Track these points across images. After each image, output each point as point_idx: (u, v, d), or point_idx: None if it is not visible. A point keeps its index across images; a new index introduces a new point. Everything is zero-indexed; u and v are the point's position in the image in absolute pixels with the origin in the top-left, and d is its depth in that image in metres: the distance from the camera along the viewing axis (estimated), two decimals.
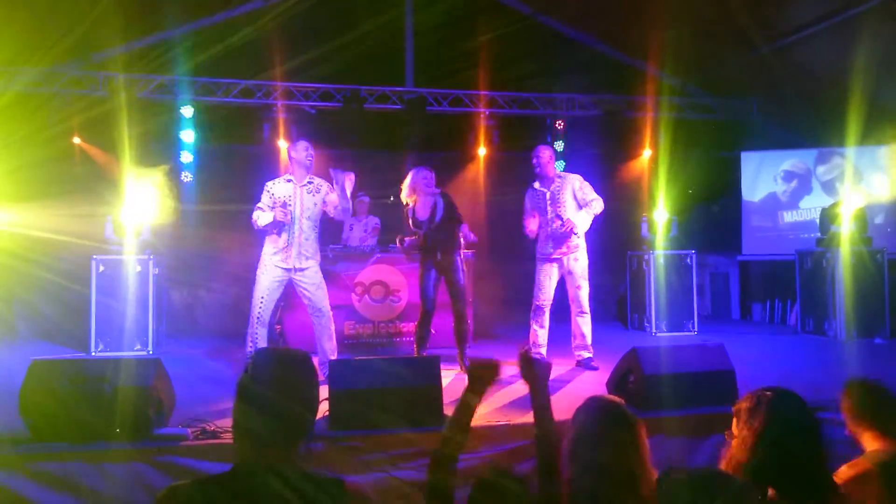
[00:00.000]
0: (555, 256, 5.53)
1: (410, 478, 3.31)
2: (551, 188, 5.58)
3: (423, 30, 8.60)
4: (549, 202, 5.56)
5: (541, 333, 5.61)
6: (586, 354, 5.54)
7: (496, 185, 9.08)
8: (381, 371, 3.85)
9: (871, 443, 2.37)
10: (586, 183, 5.58)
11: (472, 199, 8.87)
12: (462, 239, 5.50)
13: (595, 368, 5.36)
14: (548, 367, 2.25)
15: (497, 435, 3.61)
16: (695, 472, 1.78)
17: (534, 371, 2.19)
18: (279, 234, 4.93)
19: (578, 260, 5.52)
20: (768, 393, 2.04)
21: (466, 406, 2.08)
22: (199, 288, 8.37)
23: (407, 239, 5.66)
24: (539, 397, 2.17)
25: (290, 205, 4.92)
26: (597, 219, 5.59)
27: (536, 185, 5.68)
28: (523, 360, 2.21)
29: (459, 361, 5.48)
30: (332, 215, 5.10)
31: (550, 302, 5.62)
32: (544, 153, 5.62)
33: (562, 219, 5.46)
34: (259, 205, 4.98)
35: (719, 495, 1.69)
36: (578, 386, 4.88)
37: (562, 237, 5.48)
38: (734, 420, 2.09)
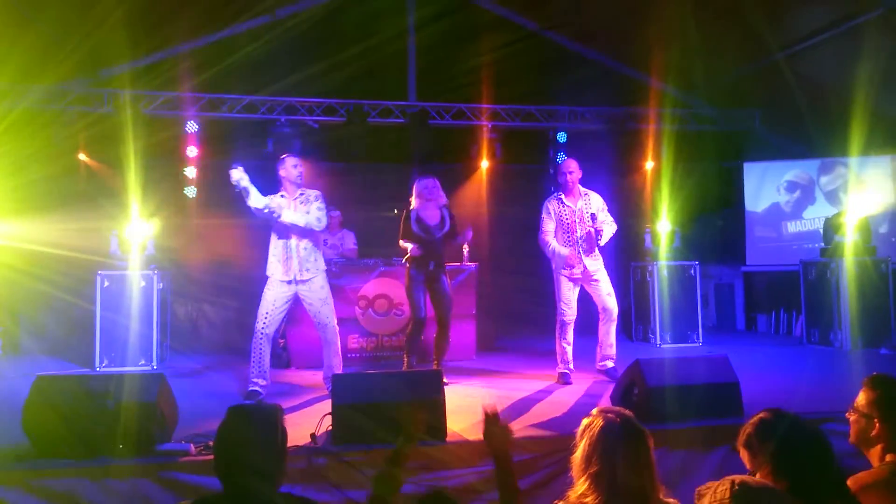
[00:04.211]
0: (581, 272, 5.41)
1: (413, 492, 3.30)
2: (578, 204, 5.50)
3: (425, 44, 8.66)
4: (577, 218, 5.46)
5: (569, 351, 5.47)
6: (611, 364, 5.49)
7: (499, 198, 9.09)
8: (384, 385, 3.85)
9: (876, 456, 2.32)
10: (605, 205, 5.59)
11: (475, 211, 8.86)
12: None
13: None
14: (509, 432, 2.23)
15: None
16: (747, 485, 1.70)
17: (497, 436, 2.17)
18: (278, 247, 4.99)
19: (601, 269, 5.49)
20: (766, 418, 2.07)
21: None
22: (203, 302, 8.40)
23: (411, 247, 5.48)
24: (503, 467, 2.13)
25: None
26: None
27: (563, 197, 5.55)
28: (488, 421, 2.18)
29: None
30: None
31: (576, 316, 5.52)
32: (576, 167, 5.50)
33: (596, 230, 5.38)
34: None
35: None
36: (583, 398, 4.86)
37: (589, 249, 5.42)
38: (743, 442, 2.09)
